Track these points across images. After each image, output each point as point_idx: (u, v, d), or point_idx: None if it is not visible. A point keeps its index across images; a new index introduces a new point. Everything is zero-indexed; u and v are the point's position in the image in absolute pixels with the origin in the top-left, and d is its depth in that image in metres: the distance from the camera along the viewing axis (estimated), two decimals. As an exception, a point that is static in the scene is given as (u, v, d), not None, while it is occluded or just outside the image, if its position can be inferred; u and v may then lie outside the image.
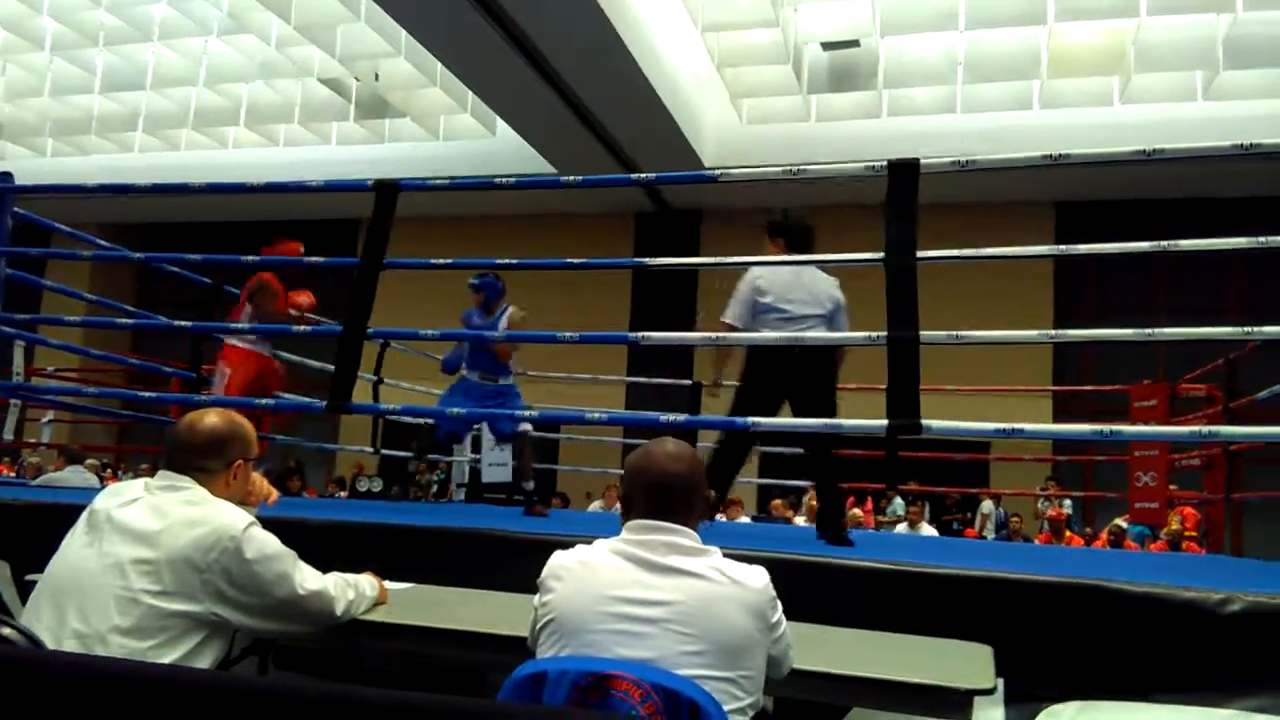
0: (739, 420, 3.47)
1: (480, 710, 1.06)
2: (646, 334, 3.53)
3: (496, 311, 5.40)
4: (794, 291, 3.95)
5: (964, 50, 11.28)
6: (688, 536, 1.77)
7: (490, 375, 5.42)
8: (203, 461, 2.05)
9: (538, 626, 1.76)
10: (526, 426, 5.35)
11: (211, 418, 2.12)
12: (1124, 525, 8.30)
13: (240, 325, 4.96)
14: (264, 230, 16.39)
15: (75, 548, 1.96)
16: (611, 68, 10.01)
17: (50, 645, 1.77)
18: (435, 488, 10.49)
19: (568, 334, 3.59)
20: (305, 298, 5.39)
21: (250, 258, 4.11)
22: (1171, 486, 7.26)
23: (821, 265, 4.00)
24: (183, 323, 4.55)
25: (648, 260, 3.77)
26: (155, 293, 15.72)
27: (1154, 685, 2.17)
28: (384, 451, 7.96)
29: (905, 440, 3.92)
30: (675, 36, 11.17)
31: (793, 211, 4.45)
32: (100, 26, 12.77)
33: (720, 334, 3.69)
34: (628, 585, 1.69)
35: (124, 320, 5.84)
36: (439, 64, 11.41)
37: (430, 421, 5.82)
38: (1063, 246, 3.01)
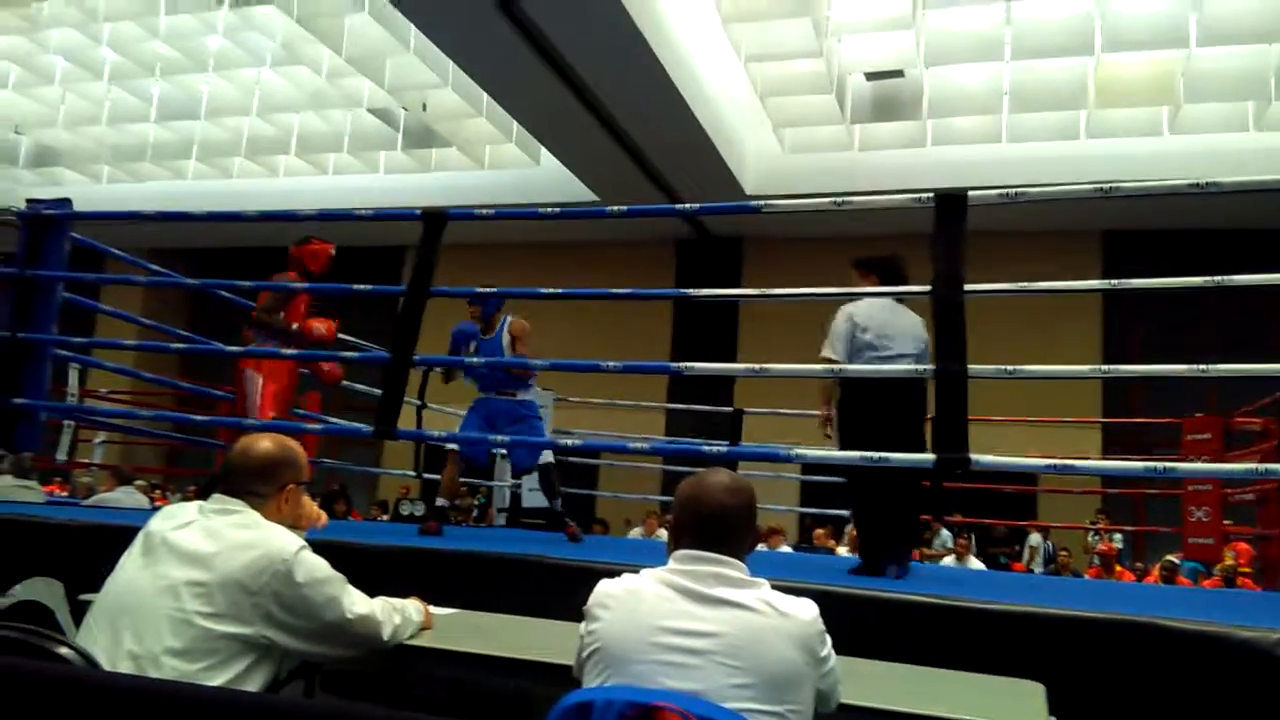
0: (780, 451, 3.44)
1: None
2: (690, 364, 3.53)
3: (497, 324, 5.14)
4: (890, 329, 3.90)
5: (1009, 80, 11.21)
6: (736, 568, 1.76)
7: (508, 390, 5.16)
8: (256, 485, 2.08)
9: (584, 655, 1.76)
10: (548, 458, 5.14)
11: (265, 443, 2.16)
12: (1176, 561, 8.11)
13: (285, 350, 4.99)
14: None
15: (131, 569, 1.99)
16: (655, 97, 10.09)
17: (105, 666, 1.80)
18: (476, 512, 10.53)
19: (611, 364, 3.61)
20: (323, 325, 5.13)
21: (300, 285, 4.18)
22: (1225, 521, 7.10)
23: (901, 299, 3.95)
24: (234, 348, 4.63)
25: (690, 291, 3.78)
26: (205, 317, 16.00)
27: (1210, 727, 2.12)
28: (427, 475, 8.01)
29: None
30: (719, 66, 11.23)
31: (882, 246, 4.36)
32: (157, 57, 13.14)
33: (819, 366, 3.58)
34: (675, 616, 1.69)
35: (177, 345, 5.95)
36: (485, 95, 11.58)
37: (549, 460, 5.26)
38: (1114, 281, 2.97)
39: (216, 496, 2.07)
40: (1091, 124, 11.56)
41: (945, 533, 9.61)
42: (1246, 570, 7.68)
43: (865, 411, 3.74)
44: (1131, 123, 11.50)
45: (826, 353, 3.84)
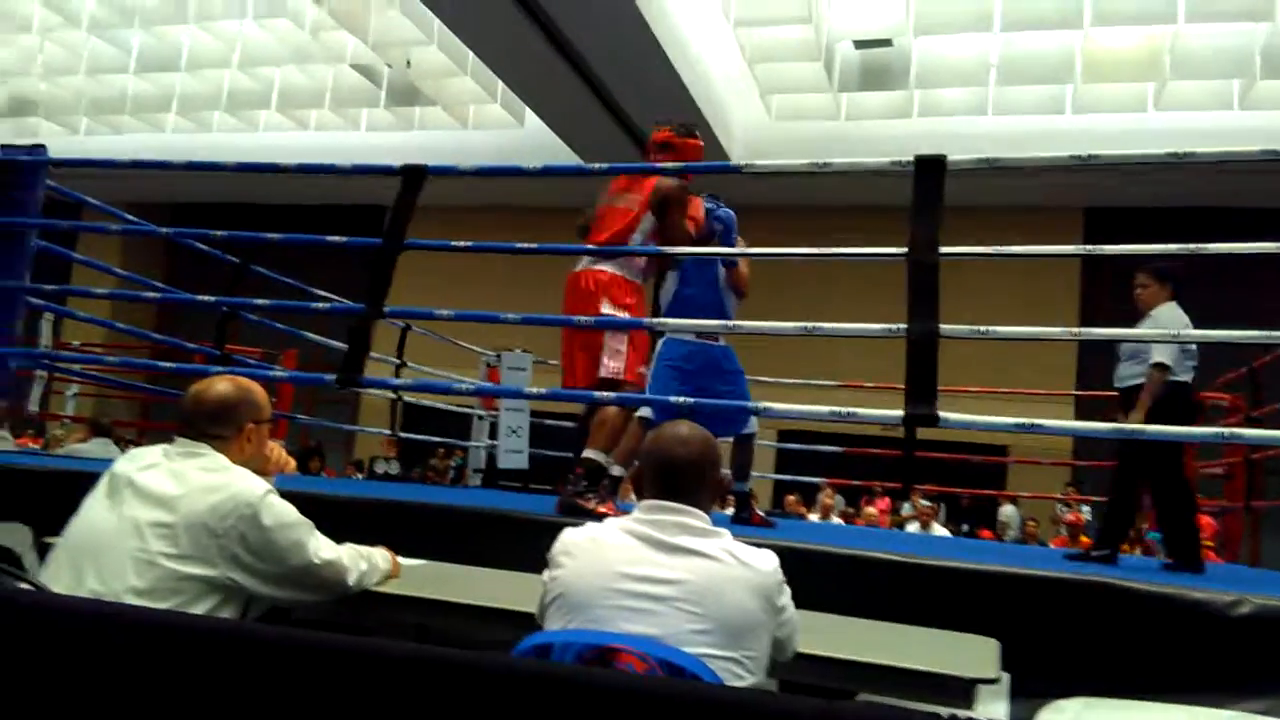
0: (753, 404, 3.45)
1: (486, 664, 1.07)
2: (661, 320, 3.55)
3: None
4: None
5: (998, 53, 11.19)
6: (698, 518, 1.78)
7: (712, 335, 4.14)
8: (215, 428, 2.08)
9: (546, 601, 1.78)
10: (754, 426, 4.22)
11: (219, 384, 2.15)
12: (1143, 530, 8.24)
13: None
14: (290, 213, 16.52)
15: (95, 510, 2.00)
16: (642, 60, 10.01)
17: (68, 603, 1.80)
18: (452, 473, 10.55)
19: (583, 319, 3.61)
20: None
21: (274, 235, 4.12)
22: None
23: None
24: (208, 297, 4.58)
25: (667, 250, 3.76)
26: (182, 272, 15.88)
27: (1160, 685, 2.16)
28: (403, 435, 8.01)
29: (924, 440, 3.94)
30: (707, 31, 11.15)
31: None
32: (137, 7, 12.93)
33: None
34: (637, 563, 1.71)
35: (152, 294, 5.89)
36: (470, 53, 11.46)
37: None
38: (1087, 247, 2.98)
39: (180, 440, 2.07)
40: (1078, 99, 11.57)
41: (907, 504, 9.70)
42: (1209, 543, 7.81)
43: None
44: (1117, 99, 11.52)
45: (1164, 359, 3.81)
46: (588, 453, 3.71)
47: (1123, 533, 4.05)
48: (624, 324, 3.77)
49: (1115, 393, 4.11)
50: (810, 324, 3.04)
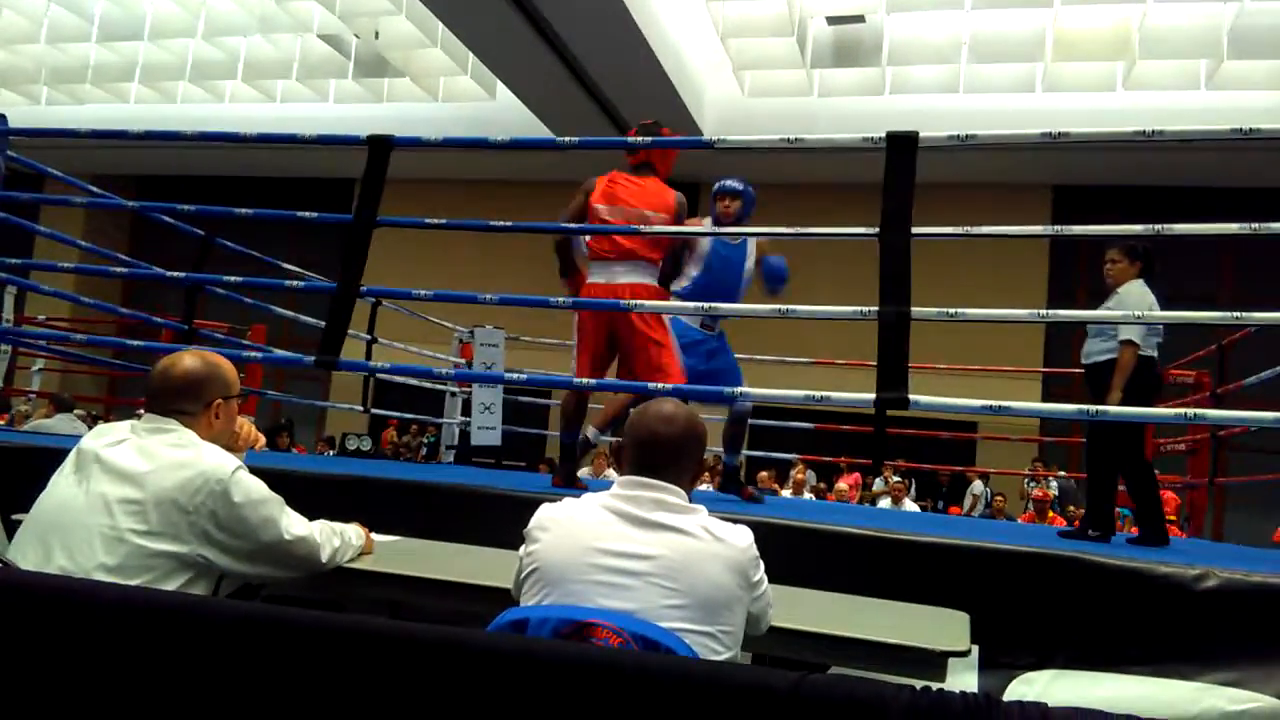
0: (723, 390, 3.47)
1: (465, 640, 1.07)
2: (636, 302, 3.54)
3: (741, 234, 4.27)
4: None
5: (969, 31, 11.21)
6: (676, 495, 1.79)
7: (712, 324, 4.43)
8: (182, 404, 2.05)
9: (522, 576, 1.78)
10: (749, 404, 4.47)
11: (187, 359, 2.12)
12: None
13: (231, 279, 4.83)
14: (258, 187, 16.30)
15: (63, 486, 1.97)
16: (615, 34, 9.93)
17: (36, 580, 1.78)
18: (425, 450, 10.52)
19: (558, 299, 3.60)
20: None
21: (244, 210, 4.07)
22: (1156, 471, 7.33)
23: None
24: (178, 274, 4.52)
25: (643, 229, 3.75)
26: (148, 245, 15.64)
27: (1128, 657, 2.20)
28: (375, 411, 7.96)
29: (894, 416, 3.99)
30: (680, 6, 11.08)
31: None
32: (99, -27, 12.63)
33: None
34: (614, 538, 1.71)
35: (118, 269, 5.80)
36: (440, 24, 11.30)
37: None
38: (1056, 227, 3.01)
39: (148, 416, 2.04)
40: (1048, 78, 11.63)
41: (879, 480, 9.81)
42: (1173, 518, 7.96)
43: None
44: (1086, 78, 11.59)
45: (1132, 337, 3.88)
46: None
47: (1111, 509, 4.14)
48: (580, 305, 3.78)
49: (1082, 369, 4.16)
50: (784, 307, 3.05)
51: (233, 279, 4.41)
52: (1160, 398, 4.04)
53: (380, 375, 7.81)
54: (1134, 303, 3.94)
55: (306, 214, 3.99)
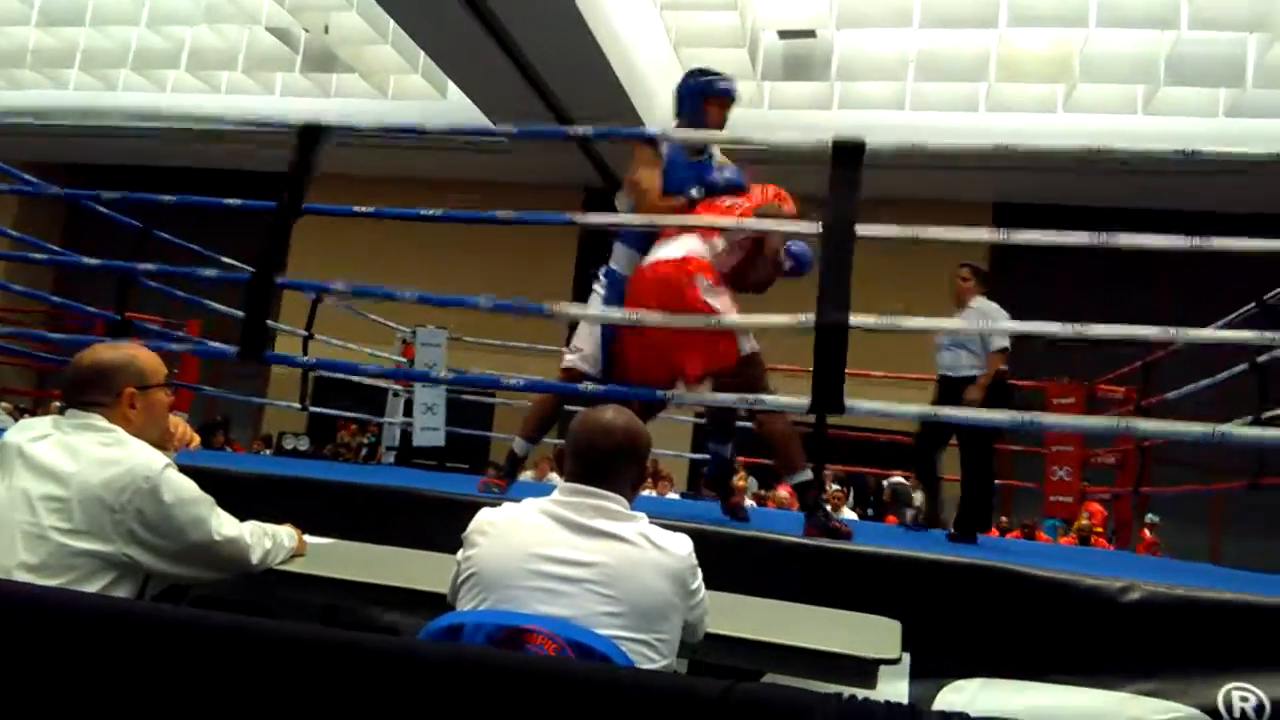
0: (657, 392, 3.40)
1: (392, 648, 1.06)
2: (560, 305, 3.52)
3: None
4: None
5: (916, 48, 11.42)
6: (616, 502, 1.79)
7: None
8: (92, 394, 1.99)
9: (459, 580, 1.77)
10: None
11: (99, 350, 2.07)
12: (1037, 518, 8.59)
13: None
14: (197, 178, 15.95)
15: (-17, 482, 1.91)
16: (567, 39, 9.92)
17: (-46, 580, 1.72)
18: (365, 450, 10.38)
19: (481, 300, 3.47)
20: None
21: (169, 197, 3.94)
22: (1084, 482, 7.54)
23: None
24: (93, 260, 4.38)
25: (577, 216, 3.65)
26: (81, 235, 15.21)
27: (1054, 667, 2.25)
28: (314, 409, 7.85)
29: (832, 424, 4.09)
30: (633, 12, 11.11)
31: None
32: (39, -45, 12.28)
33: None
34: (552, 544, 1.71)
35: (41, 256, 5.63)
36: (391, 21, 11.19)
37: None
38: (1003, 232, 3.04)
39: (71, 411, 1.98)
40: (992, 97, 11.88)
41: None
42: (1099, 530, 8.17)
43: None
44: (1029, 98, 11.85)
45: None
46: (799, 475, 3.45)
47: (988, 512, 4.35)
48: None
49: (1010, 383, 4.39)
50: (715, 318, 3.06)
51: (147, 267, 4.28)
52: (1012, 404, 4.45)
53: (321, 373, 7.72)
54: (993, 313, 4.52)
55: (231, 200, 3.89)
